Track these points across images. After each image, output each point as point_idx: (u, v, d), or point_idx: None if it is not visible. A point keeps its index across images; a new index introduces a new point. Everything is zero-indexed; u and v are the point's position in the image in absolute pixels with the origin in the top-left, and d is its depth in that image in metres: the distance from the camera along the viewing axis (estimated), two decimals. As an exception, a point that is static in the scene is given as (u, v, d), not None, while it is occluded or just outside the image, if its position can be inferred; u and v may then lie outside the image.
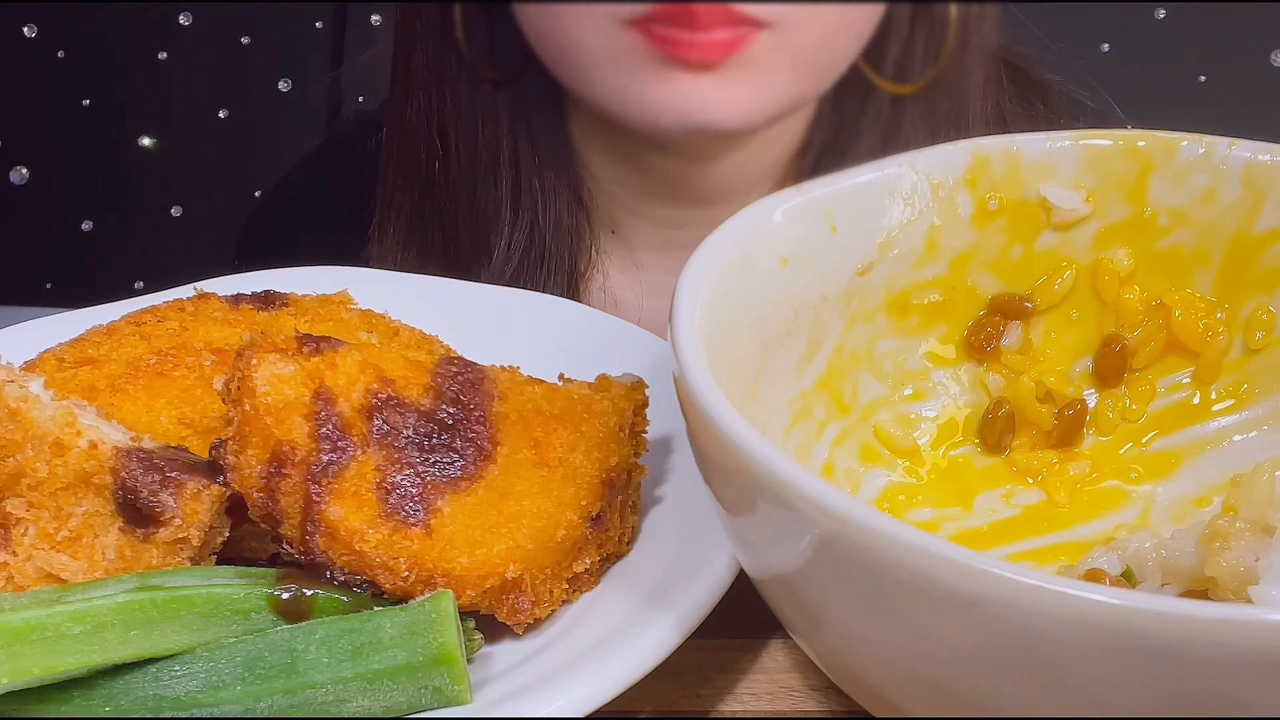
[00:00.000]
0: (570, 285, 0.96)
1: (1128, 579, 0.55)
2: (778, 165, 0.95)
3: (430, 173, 0.95)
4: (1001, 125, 0.96)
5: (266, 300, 0.67)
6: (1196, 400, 0.63)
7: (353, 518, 0.52)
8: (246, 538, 0.56)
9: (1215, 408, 0.62)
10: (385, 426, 0.54)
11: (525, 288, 0.91)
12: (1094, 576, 0.54)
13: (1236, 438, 0.62)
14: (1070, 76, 1.03)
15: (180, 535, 0.52)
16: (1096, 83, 1.03)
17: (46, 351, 0.64)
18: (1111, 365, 0.63)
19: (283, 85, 1.70)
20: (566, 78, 0.87)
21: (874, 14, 0.87)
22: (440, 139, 0.94)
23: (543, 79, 0.89)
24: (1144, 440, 0.63)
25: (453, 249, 0.96)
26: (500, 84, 0.93)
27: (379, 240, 0.98)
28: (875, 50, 0.90)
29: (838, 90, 0.91)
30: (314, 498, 0.52)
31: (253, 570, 0.53)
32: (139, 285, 1.28)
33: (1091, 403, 0.63)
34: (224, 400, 0.54)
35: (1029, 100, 0.99)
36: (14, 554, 0.53)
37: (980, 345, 0.63)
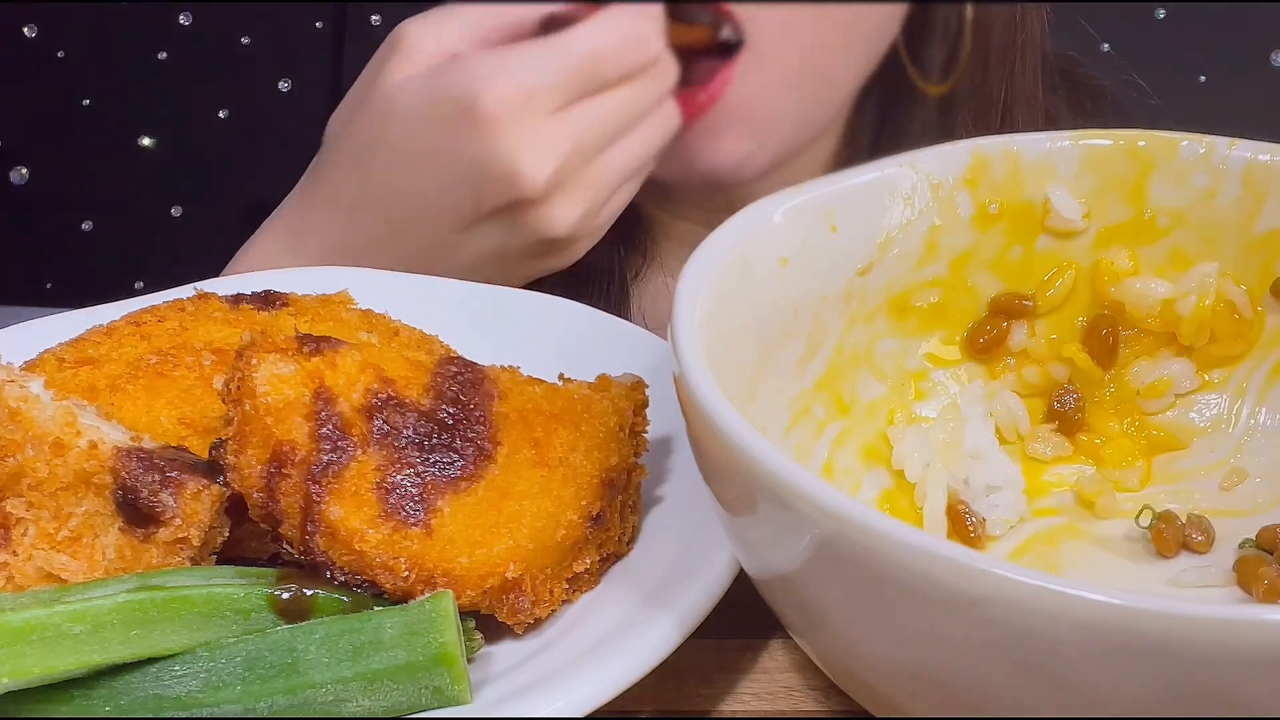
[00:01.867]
0: (623, 291, 0.95)
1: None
2: (820, 173, 0.94)
3: None
4: (1052, 128, 0.95)
5: (266, 300, 0.67)
6: (1197, 394, 0.63)
7: (353, 518, 0.52)
8: (246, 538, 0.56)
9: (1214, 401, 0.63)
10: (385, 426, 0.54)
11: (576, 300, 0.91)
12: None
13: (1236, 429, 0.62)
14: (1121, 80, 1.03)
15: (180, 535, 0.52)
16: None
17: (46, 351, 0.64)
18: (1110, 358, 0.63)
19: (283, 85, 1.70)
20: None
21: (866, 30, 0.85)
22: None
23: None
24: (1145, 434, 0.63)
25: None
26: None
27: None
28: (920, 54, 0.89)
29: (884, 95, 0.90)
30: (314, 498, 0.52)
31: (253, 570, 0.53)
32: (139, 285, 1.28)
33: (1092, 401, 0.63)
34: (224, 400, 0.54)
35: (1081, 105, 0.99)
36: (14, 554, 0.53)
37: (981, 346, 0.63)
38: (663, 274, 0.99)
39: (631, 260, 0.97)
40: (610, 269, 0.95)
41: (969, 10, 0.90)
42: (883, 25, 0.85)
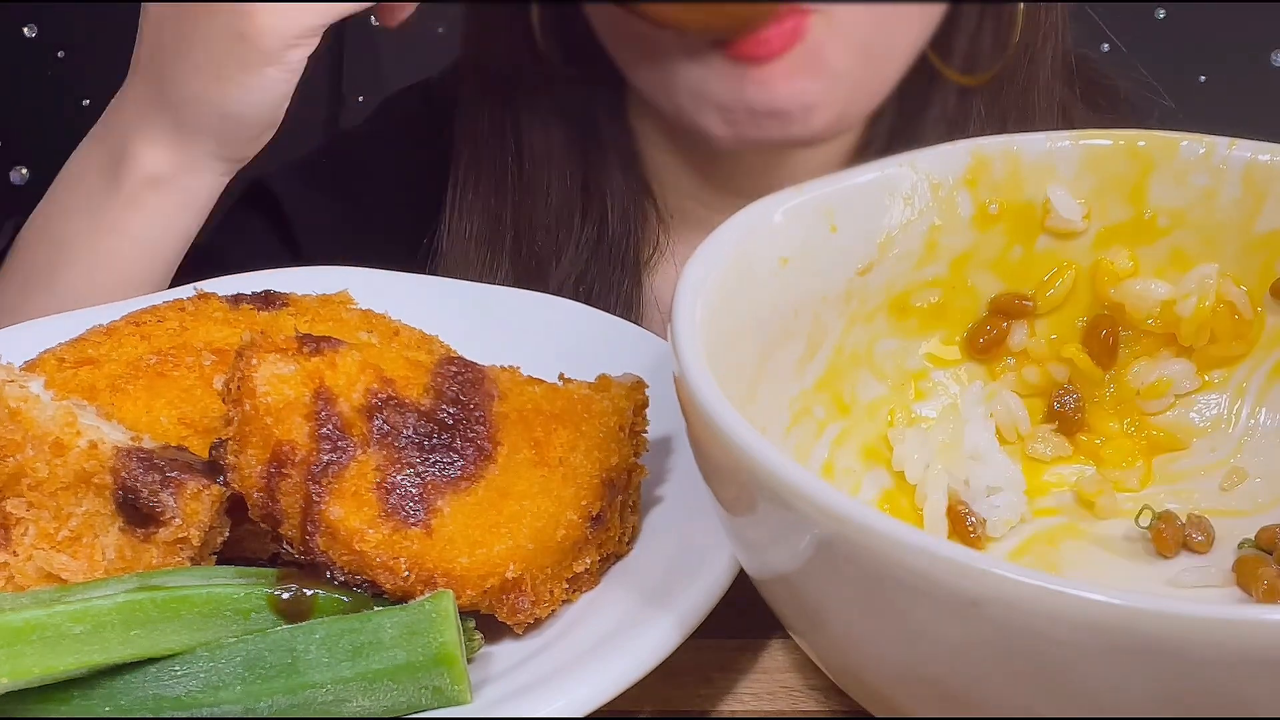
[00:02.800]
0: (635, 277, 0.97)
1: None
2: (841, 157, 0.95)
3: (503, 170, 0.96)
4: (1068, 124, 0.96)
5: (266, 300, 0.67)
6: (1197, 394, 0.63)
7: (353, 518, 0.52)
8: (246, 538, 0.56)
9: (1214, 401, 0.63)
10: (385, 426, 0.54)
11: (593, 283, 0.93)
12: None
13: (1236, 429, 0.62)
14: (1137, 81, 1.03)
15: (180, 535, 0.52)
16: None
17: (46, 351, 0.64)
18: (1110, 358, 0.63)
19: (283, 85, 1.70)
20: (647, 91, 0.88)
21: (923, 13, 0.87)
22: (514, 136, 0.95)
23: (607, 74, 0.90)
24: (1144, 435, 0.63)
25: (524, 246, 0.97)
26: (573, 80, 0.93)
27: (448, 239, 0.98)
28: (943, 41, 0.90)
29: (903, 82, 0.91)
30: (314, 498, 0.52)
31: (253, 570, 0.53)
32: (139, 285, 1.28)
33: (1092, 401, 0.63)
34: (224, 400, 0.54)
35: (1096, 103, 1.00)
36: (14, 554, 0.53)
37: (981, 346, 0.63)
38: (674, 263, 0.99)
39: (644, 248, 0.98)
40: (623, 254, 0.96)
41: (1020, 6, 0.91)
42: (935, 10, 0.87)
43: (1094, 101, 0.99)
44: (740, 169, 0.96)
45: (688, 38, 0.81)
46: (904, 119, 0.94)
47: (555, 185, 0.95)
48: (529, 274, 0.95)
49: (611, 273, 0.96)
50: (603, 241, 0.96)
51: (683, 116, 0.86)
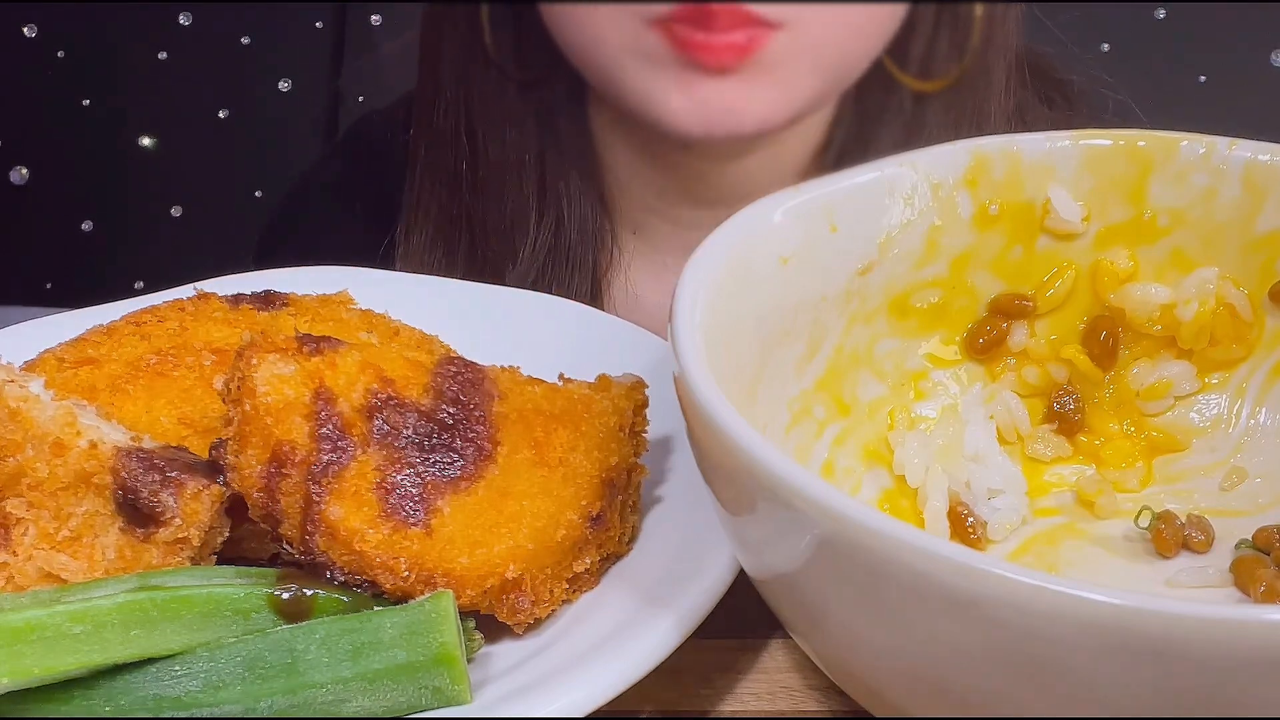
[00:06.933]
0: (593, 285, 0.97)
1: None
2: (799, 164, 0.95)
3: (458, 173, 0.96)
4: (1023, 123, 0.96)
5: (266, 300, 0.67)
6: (1196, 395, 0.63)
7: (353, 518, 0.52)
8: (246, 538, 0.56)
9: (1214, 401, 0.63)
10: (385, 426, 0.54)
11: (549, 288, 0.93)
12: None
13: (1236, 430, 0.62)
14: (1090, 76, 1.04)
15: (180, 535, 0.52)
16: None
17: (46, 351, 0.64)
18: (1110, 359, 0.63)
19: (283, 85, 1.70)
20: (592, 77, 0.88)
21: (893, 13, 0.87)
22: (469, 139, 0.95)
23: (567, 79, 0.90)
24: (1144, 436, 0.63)
25: (480, 250, 0.97)
26: (526, 85, 0.93)
27: (405, 241, 0.98)
28: (899, 47, 0.91)
29: (860, 87, 0.92)
30: (314, 498, 0.52)
31: (253, 570, 0.53)
32: (139, 285, 1.28)
33: (1091, 402, 0.63)
34: (224, 400, 0.54)
35: (1050, 99, 1.00)
36: (14, 554, 0.53)
37: (981, 346, 0.63)
38: (628, 270, 0.99)
39: (601, 254, 0.98)
40: (579, 260, 0.96)
41: (978, 8, 0.92)
42: (894, 15, 0.88)
43: (1048, 98, 1.00)
44: (695, 175, 0.96)
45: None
46: (861, 124, 0.94)
47: (511, 189, 0.95)
48: (484, 277, 0.95)
49: (567, 277, 0.96)
50: (559, 246, 0.96)
51: (638, 112, 0.86)
